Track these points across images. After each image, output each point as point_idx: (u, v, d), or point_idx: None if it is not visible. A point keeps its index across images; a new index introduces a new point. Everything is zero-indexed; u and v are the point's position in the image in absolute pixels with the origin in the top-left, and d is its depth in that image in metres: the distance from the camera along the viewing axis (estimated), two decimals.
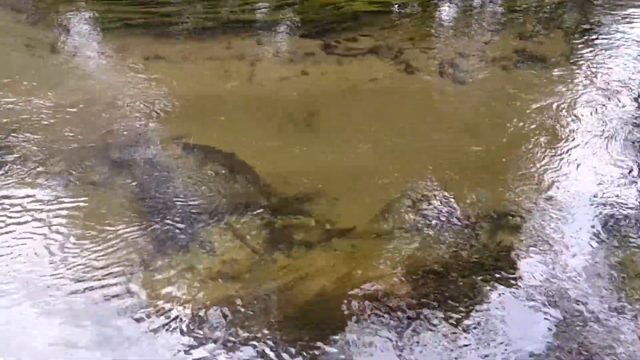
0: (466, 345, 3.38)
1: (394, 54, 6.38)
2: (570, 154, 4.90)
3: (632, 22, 7.20)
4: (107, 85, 5.66)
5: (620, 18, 7.32)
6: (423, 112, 5.53)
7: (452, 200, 4.37)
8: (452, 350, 3.36)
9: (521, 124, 5.25)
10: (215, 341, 3.35)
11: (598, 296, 3.67)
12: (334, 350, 3.35)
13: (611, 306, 3.61)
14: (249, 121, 5.22)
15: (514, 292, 3.69)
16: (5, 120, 5.04)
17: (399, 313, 3.55)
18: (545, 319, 3.53)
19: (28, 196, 4.25)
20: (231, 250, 3.90)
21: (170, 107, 5.33)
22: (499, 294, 3.68)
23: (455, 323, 3.50)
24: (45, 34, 6.53)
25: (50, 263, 3.75)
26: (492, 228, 4.15)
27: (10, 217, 4.07)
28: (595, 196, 4.45)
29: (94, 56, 6.23)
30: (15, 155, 4.63)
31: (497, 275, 3.80)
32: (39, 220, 4.06)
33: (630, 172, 4.72)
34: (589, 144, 5.04)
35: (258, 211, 4.21)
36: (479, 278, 3.78)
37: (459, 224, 4.18)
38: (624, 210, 4.33)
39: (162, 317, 3.45)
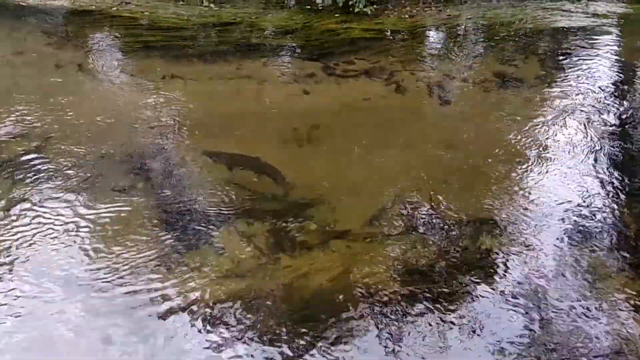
0: (450, 336, 3.43)
1: (386, 76, 6.41)
2: (545, 166, 4.94)
3: (599, 49, 7.26)
4: (129, 101, 5.70)
5: (588, 46, 7.37)
6: (412, 128, 5.57)
7: (438, 207, 4.41)
8: (437, 340, 3.40)
9: (501, 139, 5.29)
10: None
11: (570, 295, 3.71)
12: (331, 338, 3.40)
13: (583, 304, 3.65)
14: (256, 135, 5.26)
15: (493, 291, 3.73)
16: (37, 133, 5.07)
17: (390, 307, 3.59)
18: (521, 315, 3.57)
19: (57, 200, 4.30)
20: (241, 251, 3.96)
21: (185, 122, 5.36)
22: (480, 291, 3.73)
23: (440, 317, 3.54)
24: (74, 55, 6.56)
25: (81, 260, 3.81)
26: (474, 232, 4.19)
27: (43, 219, 4.13)
28: (568, 204, 4.49)
29: (117, 75, 6.26)
30: (46, 165, 4.66)
31: (479, 275, 3.84)
32: (68, 222, 4.11)
33: (600, 181, 4.76)
34: (562, 156, 5.08)
35: (265, 216, 4.26)
36: (461, 277, 3.82)
37: (444, 228, 4.23)
38: (594, 216, 4.37)
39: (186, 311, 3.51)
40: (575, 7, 8.47)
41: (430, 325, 3.49)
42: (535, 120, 5.60)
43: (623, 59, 7.06)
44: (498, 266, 3.92)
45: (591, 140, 5.33)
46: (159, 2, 7.99)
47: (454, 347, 3.37)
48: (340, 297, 3.64)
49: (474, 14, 8.27)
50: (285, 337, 3.39)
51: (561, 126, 5.53)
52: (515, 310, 3.60)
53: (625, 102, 6.01)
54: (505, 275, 3.85)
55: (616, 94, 6.18)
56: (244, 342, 3.34)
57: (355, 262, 3.89)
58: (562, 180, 4.80)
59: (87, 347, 3.30)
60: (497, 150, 5.13)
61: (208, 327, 3.42)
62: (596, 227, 4.27)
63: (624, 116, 5.76)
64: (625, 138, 5.40)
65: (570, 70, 6.74)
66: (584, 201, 4.53)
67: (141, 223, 4.13)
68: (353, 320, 3.50)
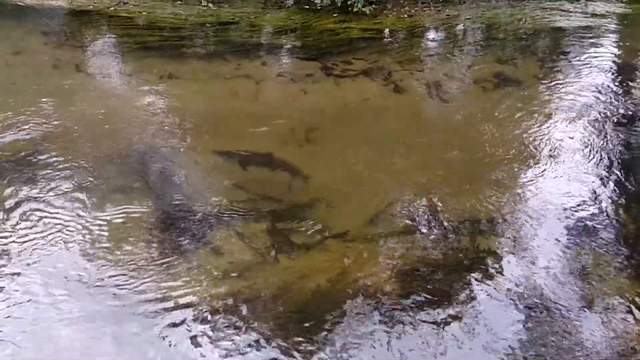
0: (450, 337, 3.43)
1: (385, 76, 6.41)
2: (544, 165, 4.95)
3: (597, 49, 7.26)
4: (126, 101, 5.69)
5: (586, 46, 7.39)
6: (410, 128, 5.57)
7: (436, 207, 4.42)
8: (436, 340, 3.41)
9: (500, 138, 5.30)
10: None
11: (568, 294, 3.72)
12: (330, 336, 3.40)
13: (580, 303, 3.66)
14: (255, 135, 5.24)
15: (491, 289, 3.74)
16: (35, 132, 5.06)
17: (387, 306, 3.60)
18: (520, 313, 3.58)
19: (56, 201, 4.30)
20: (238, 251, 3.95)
21: (183, 121, 5.36)
22: (478, 291, 3.73)
23: (437, 315, 3.55)
24: (71, 55, 6.54)
25: (81, 259, 3.81)
26: (472, 232, 4.20)
27: (42, 219, 4.12)
28: (568, 203, 4.49)
29: (114, 75, 6.25)
30: (43, 165, 4.65)
31: (476, 274, 3.85)
32: (70, 224, 4.10)
33: (597, 182, 4.77)
34: (562, 155, 5.09)
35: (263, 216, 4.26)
36: (459, 276, 3.83)
37: (442, 228, 4.23)
38: (594, 216, 4.38)
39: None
40: (574, 7, 8.47)
41: (429, 325, 3.49)
42: (534, 120, 5.60)
43: (622, 59, 7.06)
44: (497, 266, 3.92)
45: (591, 139, 5.33)
46: (157, 2, 7.97)
47: (454, 347, 3.37)
48: (340, 297, 3.64)
49: (473, 14, 8.27)
50: (284, 337, 3.39)
51: (560, 126, 5.54)
52: (515, 310, 3.60)
53: (624, 102, 6.02)
54: (504, 275, 3.85)
55: (615, 93, 6.18)
56: (243, 343, 3.34)
57: (355, 262, 3.89)
58: (562, 179, 4.80)
59: (86, 346, 3.29)
60: (496, 150, 5.13)
61: (207, 327, 3.41)
62: (596, 227, 4.27)
63: (623, 116, 5.76)
64: (625, 137, 5.40)
65: (568, 70, 6.74)
66: (585, 201, 4.53)
67: (141, 223, 4.12)
68: (352, 321, 3.49)
